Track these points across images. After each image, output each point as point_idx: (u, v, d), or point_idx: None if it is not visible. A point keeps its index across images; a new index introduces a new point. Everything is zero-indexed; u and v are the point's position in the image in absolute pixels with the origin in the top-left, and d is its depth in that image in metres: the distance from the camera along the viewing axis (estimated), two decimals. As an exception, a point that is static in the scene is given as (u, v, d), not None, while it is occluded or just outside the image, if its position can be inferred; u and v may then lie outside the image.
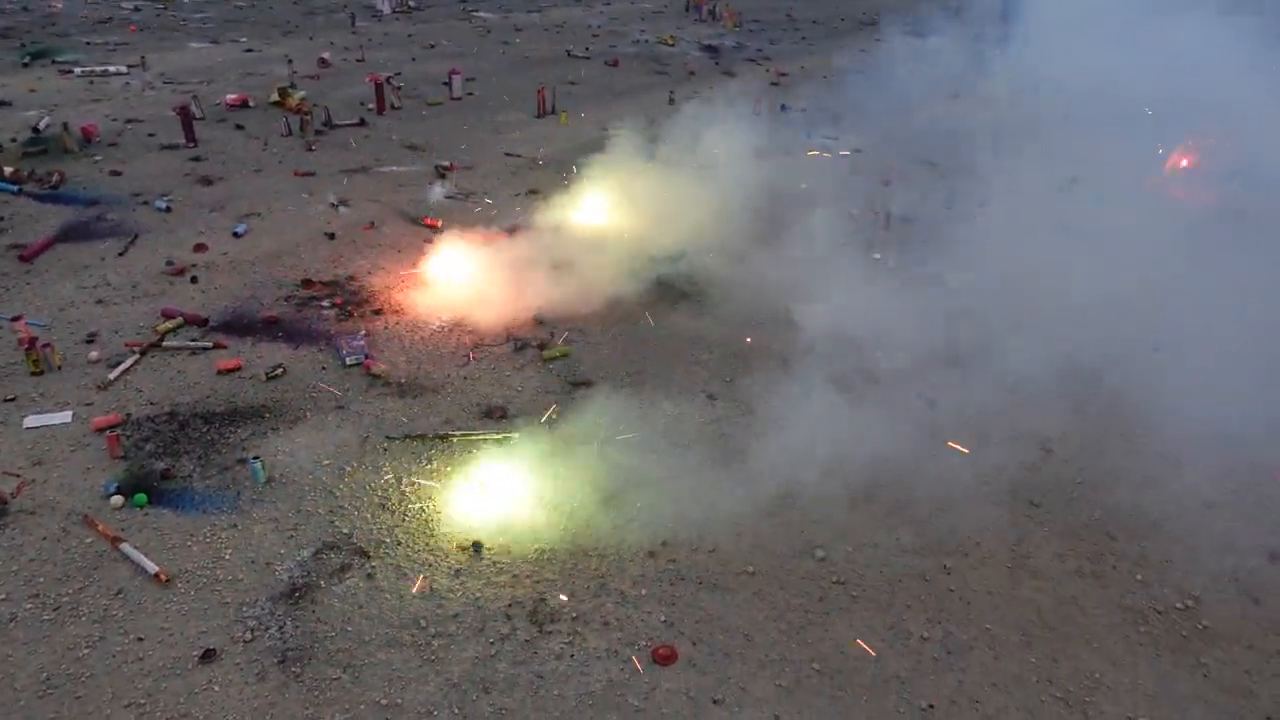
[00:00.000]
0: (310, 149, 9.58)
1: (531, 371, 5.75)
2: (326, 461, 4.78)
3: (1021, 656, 3.85)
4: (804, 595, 4.12)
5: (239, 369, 5.55)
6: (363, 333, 5.99)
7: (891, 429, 5.31)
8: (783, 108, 12.19)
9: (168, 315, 6.04)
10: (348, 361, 5.64)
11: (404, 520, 4.39)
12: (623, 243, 7.66)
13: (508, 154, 9.92)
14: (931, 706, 3.58)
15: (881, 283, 7.09)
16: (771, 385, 5.66)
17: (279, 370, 5.49)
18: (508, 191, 8.83)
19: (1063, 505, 4.79)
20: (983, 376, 5.82)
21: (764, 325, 6.49)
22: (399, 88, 11.96)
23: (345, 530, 4.31)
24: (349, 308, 6.37)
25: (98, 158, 8.99)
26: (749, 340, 6.27)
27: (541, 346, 5.99)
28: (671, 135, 10.83)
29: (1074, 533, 4.60)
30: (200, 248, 7.11)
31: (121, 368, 5.44)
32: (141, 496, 4.37)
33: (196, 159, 9.16)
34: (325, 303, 6.41)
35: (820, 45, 18.10)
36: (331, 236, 7.45)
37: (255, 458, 4.57)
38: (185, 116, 9.42)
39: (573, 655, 3.71)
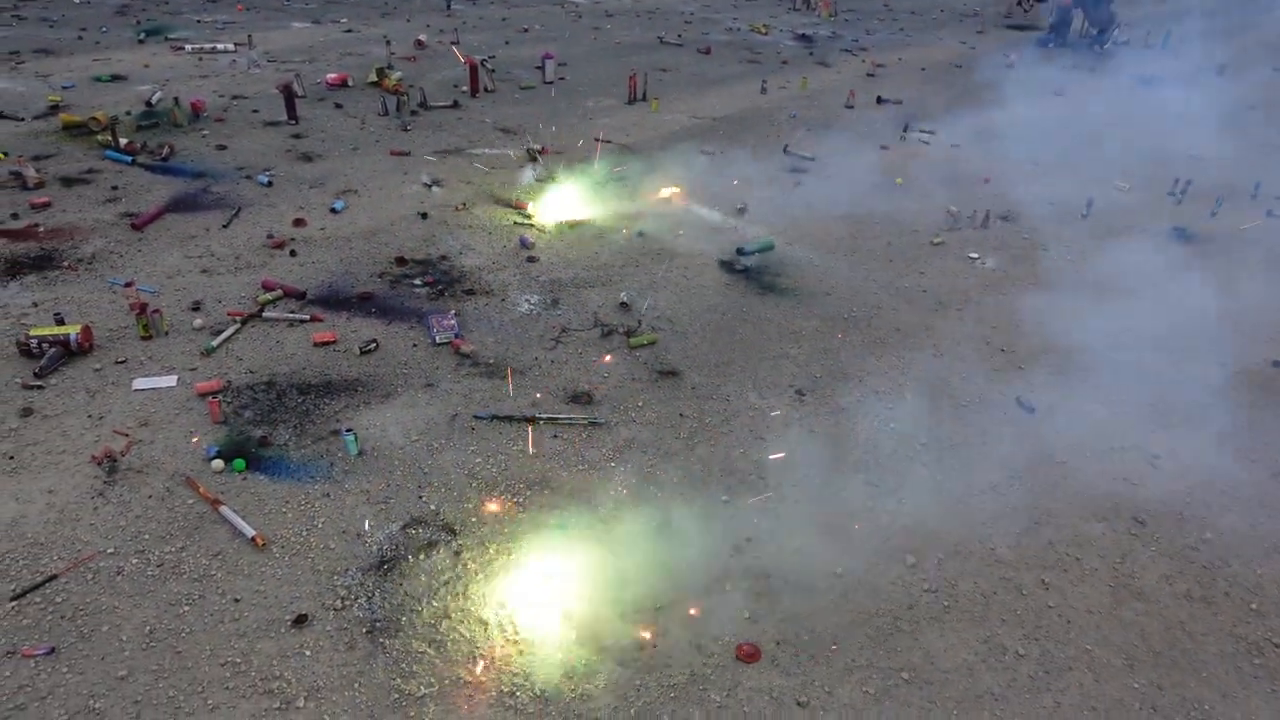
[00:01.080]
0: (405, 129, 9.74)
1: (618, 358, 5.73)
2: (416, 438, 4.84)
3: (1124, 681, 3.67)
4: (893, 602, 4.00)
5: (334, 342, 5.67)
6: (453, 312, 6.04)
7: (985, 435, 5.15)
8: (879, 100, 11.89)
9: (268, 287, 6.20)
10: (438, 340, 5.70)
11: (491, 499, 4.42)
12: (711, 232, 7.58)
13: (598, 139, 9.91)
14: (1026, 726, 3.44)
15: (974, 280, 6.86)
16: (863, 384, 5.53)
17: (372, 345, 5.59)
18: (598, 175, 8.81)
19: (1171, 524, 4.55)
20: (1087, 389, 5.60)
21: (856, 321, 6.35)
22: (493, 71, 12.06)
23: (433, 506, 4.36)
24: (440, 287, 6.45)
25: (205, 132, 9.30)
26: (840, 336, 6.13)
27: (629, 333, 5.96)
28: (761, 126, 10.70)
29: (1182, 554, 4.36)
30: (299, 222, 7.29)
31: (224, 335, 5.60)
32: (240, 462, 4.49)
33: (297, 136, 9.40)
34: (417, 281, 6.50)
35: (918, 37, 17.64)
36: (424, 216, 7.56)
37: (349, 430, 4.65)
38: (288, 94, 9.68)
39: (655, 646, 3.67)
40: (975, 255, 7.54)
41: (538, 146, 9.31)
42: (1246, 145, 11.00)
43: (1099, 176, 9.74)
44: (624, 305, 6.32)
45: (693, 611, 3.85)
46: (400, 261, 6.76)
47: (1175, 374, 5.90)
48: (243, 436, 4.77)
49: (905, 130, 10.80)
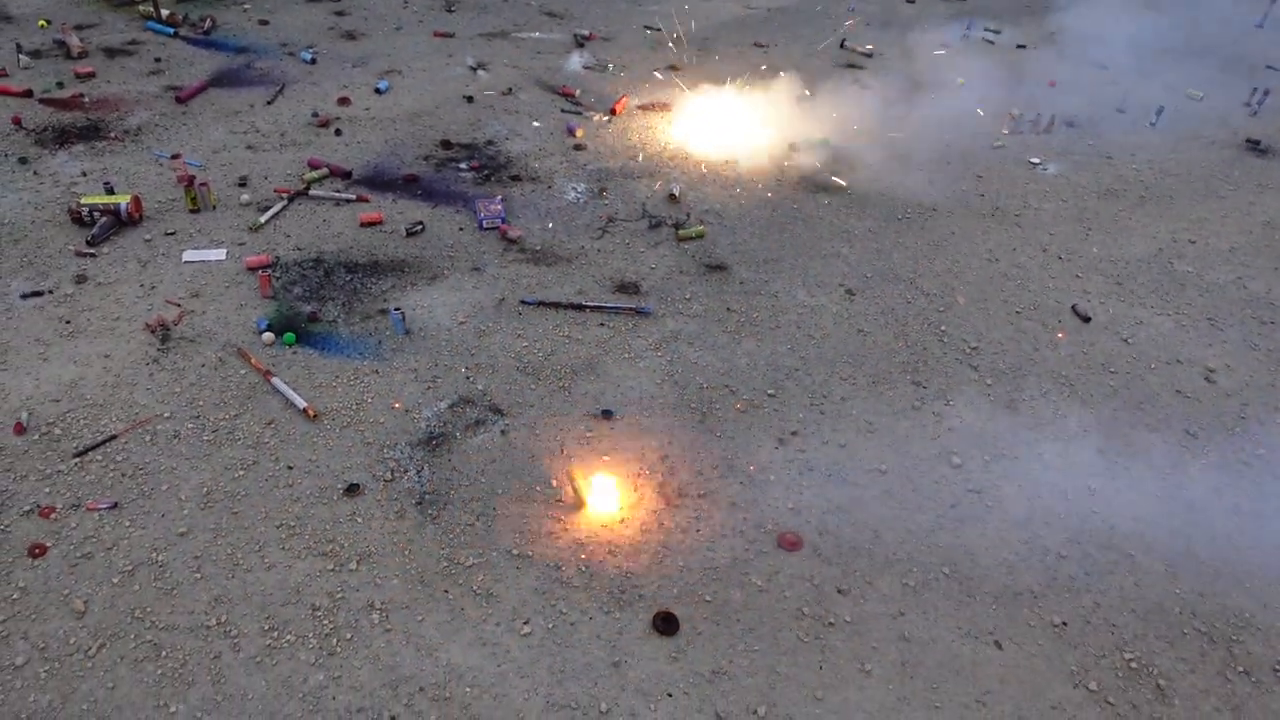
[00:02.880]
0: (450, 10, 9.45)
1: (666, 250, 5.64)
2: (463, 320, 4.84)
3: (1166, 587, 3.66)
4: (936, 500, 4.00)
5: (380, 223, 5.63)
6: (500, 197, 5.96)
7: (1038, 343, 5.05)
8: (943, -6, 11.29)
9: (314, 165, 6.14)
10: (484, 225, 5.64)
11: (538, 383, 4.43)
12: (764, 128, 7.34)
13: (648, 28, 9.56)
14: (1064, 624, 3.46)
15: (1034, 187, 6.62)
16: (914, 285, 5.42)
17: (419, 227, 5.54)
18: (646, 66, 8.53)
19: (1223, 438, 4.47)
20: (1147, 301, 5.44)
21: (910, 223, 6.18)
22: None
23: (480, 387, 4.38)
24: (486, 172, 6.34)
25: (247, 6, 9.09)
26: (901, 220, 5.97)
27: (677, 226, 5.85)
28: (818, 19, 10.25)
29: (1233, 468, 4.29)
30: (344, 101, 7.16)
31: (271, 212, 5.58)
32: (291, 335, 4.52)
33: (340, 14, 9.16)
34: (463, 165, 6.40)
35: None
36: (470, 100, 7.39)
37: (397, 309, 4.66)
38: (330, -31, 9.37)
39: (698, 530, 3.71)
40: (1037, 160, 7.27)
41: (585, 32, 9.00)
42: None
43: (1175, 84, 9.25)
44: (673, 197, 6.18)
45: (735, 500, 3.87)
46: (446, 145, 6.65)
47: (1237, 291, 5.71)
48: (292, 311, 4.79)
49: (968, 29, 10.28)
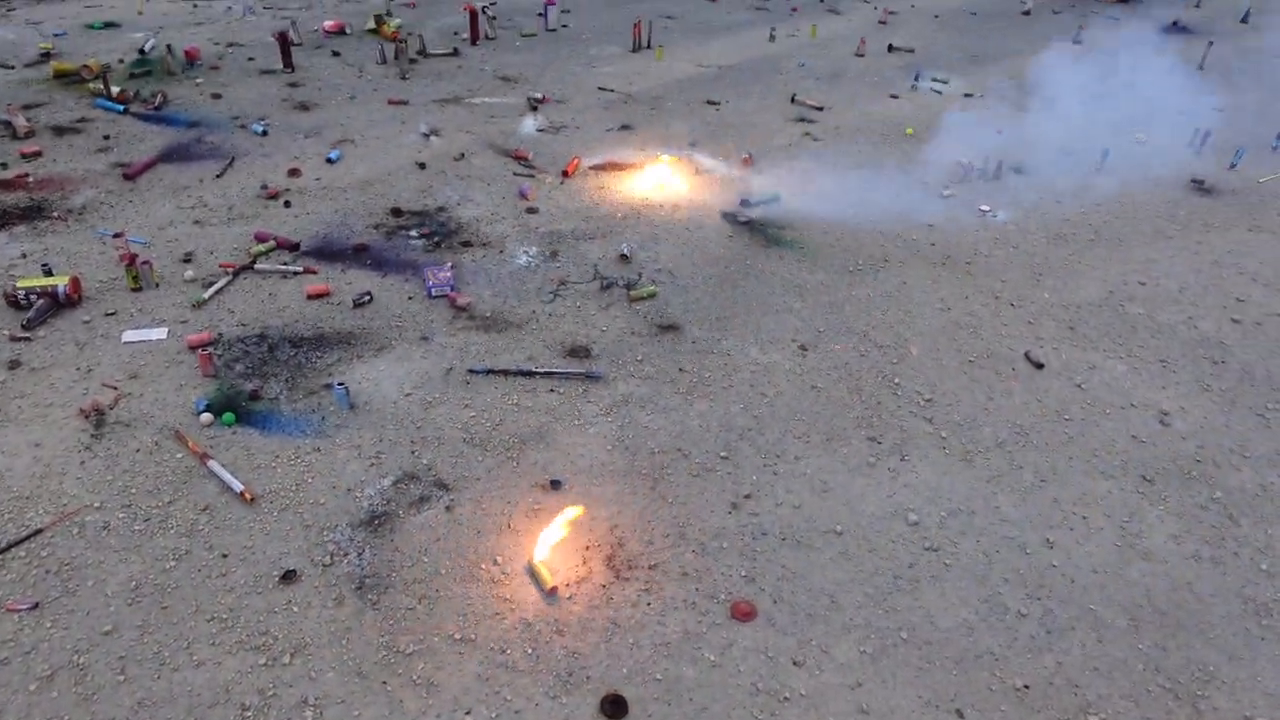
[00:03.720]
0: (404, 78, 9.52)
1: (618, 311, 5.61)
2: (410, 392, 4.75)
3: (1129, 642, 3.59)
4: (893, 560, 3.92)
5: (328, 295, 5.56)
6: (449, 265, 5.92)
7: (992, 391, 5.03)
8: (890, 48, 11.57)
9: (261, 238, 6.08)
10: (433, 293, 5.59)
11: (485, 455, 4.33)
12: (714, 182, 7.40)
13: (601, 88, 9.67)
14: (1026, 687, 3.37)
15: (985, 234, 6.68)
16: (867, 338, 5.41)
17: (366, 298, 5.48)
18: (599, 126, 8.61)
19: (1180, 483, 4.44)
20: (1101, 345, 5.46)
21: (862, 274, 6.19)
22: (493, 18, 11.77)
23: (426, 461, 4.28)
24: (437, 238, 6.31)
25: (199, 80, 9.11)
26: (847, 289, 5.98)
27: (629, 286, 5.82)
28: (768, 76, 10.42)
29: (1190, 514, 4.26)
30: (294, 172, 7.14)
31: (215, 287, 5.50)
32: (230, 415, 4.41)
33: (293, 85, 9.20)
34: (414, 232, 6.36)
35: (933, -17, 17.06)
36: (422, 167, 7.39)
37: (340, 383, 4.57)
38: (284, 42, 9.45)
39: (649, 604, 3.60)
40: (986, 208, 7.35)
41: (539, 95, 9.08)
42: (1269, 96, 10.67)
43: (1119, 126, 9.46)
44: (624, 258, 6.17)
45: (687, 570, 3.77)
46: (396, 213, 6.62)
47: (1187, 331, 5.75)
48: (233, 390, 4.68)
49: (917, 79, 10.51)
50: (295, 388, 4.75)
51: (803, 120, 9.15)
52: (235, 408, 4.49)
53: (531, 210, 6.80)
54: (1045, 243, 6.87)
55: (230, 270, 5.69)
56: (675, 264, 6.19)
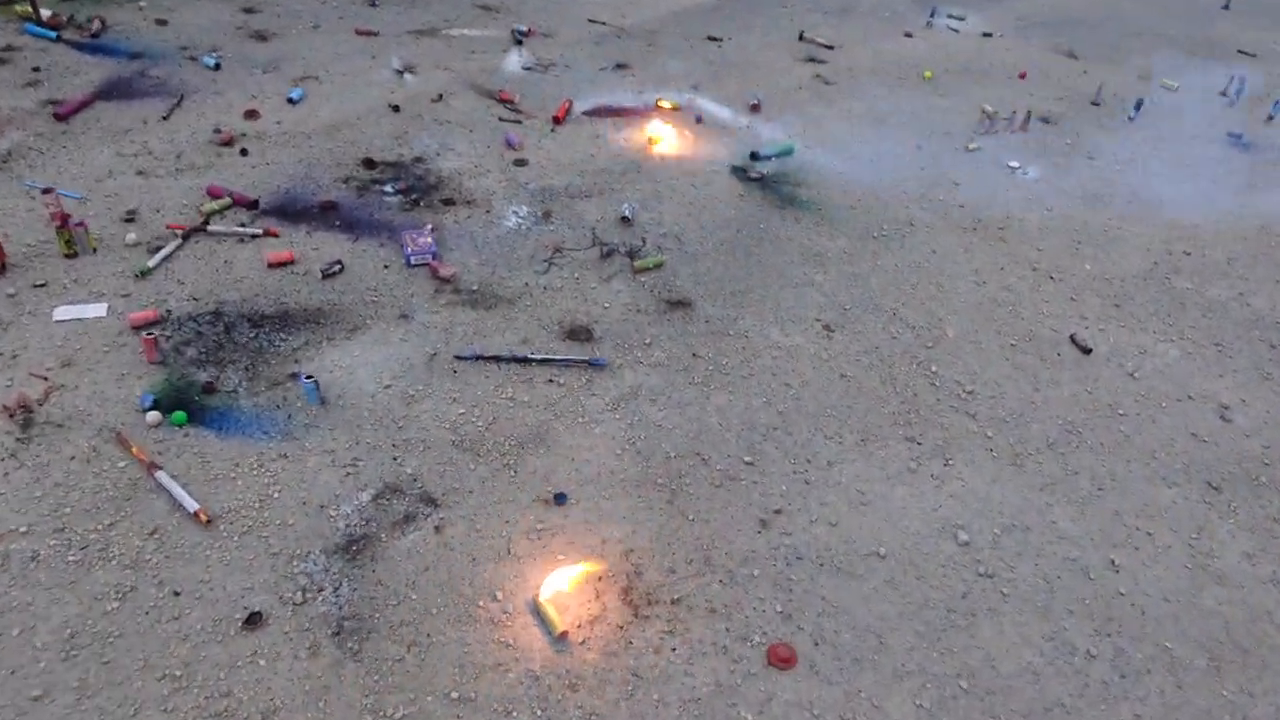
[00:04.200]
0: (374, 3, 8.67)
1: (620, 284, 5.04)
2: (389, 383, 4.19)
3: (1210, 687, 3.19)
4: (945, 589, 3.48)
5: (292, 263, 4.94)
6: (429, 227, 5.29)
7: (1038, 380, 4.56)
8: (902, -22, 10.80)
9: (214, 194, 5.40)
10: (413, 261, 4.98)
11: (478, 462, 3.81)
12: (722, 134, 6.76)
13: (592, 20, 8.88)
14: (1107, 749, 2.97)
15: (1015, 194, 6.14)
16: (898, 318, 4.90)
17: (336, 267, 4.86)
18: (592, 65, 7.88)
19: (1248, 490, 4.03)
20: (1151, 325, 5.00)
21: (887, 241, 5.65)
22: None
23: (410, 470, 3.75)
24: (415, 195, 5.66)
25: (142, 4, 8.20)
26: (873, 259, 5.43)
27: (632, 254, 5.25)
28: (772, 8, 9.67)
29: (1263, 528, 3.86)
30: (251, 114, 6.40)
31: (163, 254, 4.85)
32: (181, 415, 3.84)
33: (249, 10, 8.32)
34: (389, 188, 5.71)
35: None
36: (396, 109, 6.67)
37: (309, 376, 3.99)
38: (237, -40, 8.52)
39: (673, 649, 3.14)
40: (1015, 164, 6.80)
41: (524, 28, 8.30)
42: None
43: (1146, 71, 8.89)
44: (625, 220, 5.57)
45: (715, 605, 3.31)
46: (369, 164, 5.94)
47: (1240, 310, 5.30)
48: (184, 381, 4.09)
49: (932, 16, 9.80)
50: (257, 377, 4.17)
51: (812, 60, 8.47)
52: (187, 404, 3.91)
53: (520, 162, 6.14)
54: (1081, 204, 6.35)
55: (180, 232, 5.03)
56: (682, 228, 5.61)
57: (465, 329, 4.61)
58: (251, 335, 4.42)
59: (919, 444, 4.16)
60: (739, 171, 6.31)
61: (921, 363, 4.68)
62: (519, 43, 8.03)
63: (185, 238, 5.04)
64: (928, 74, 8.17)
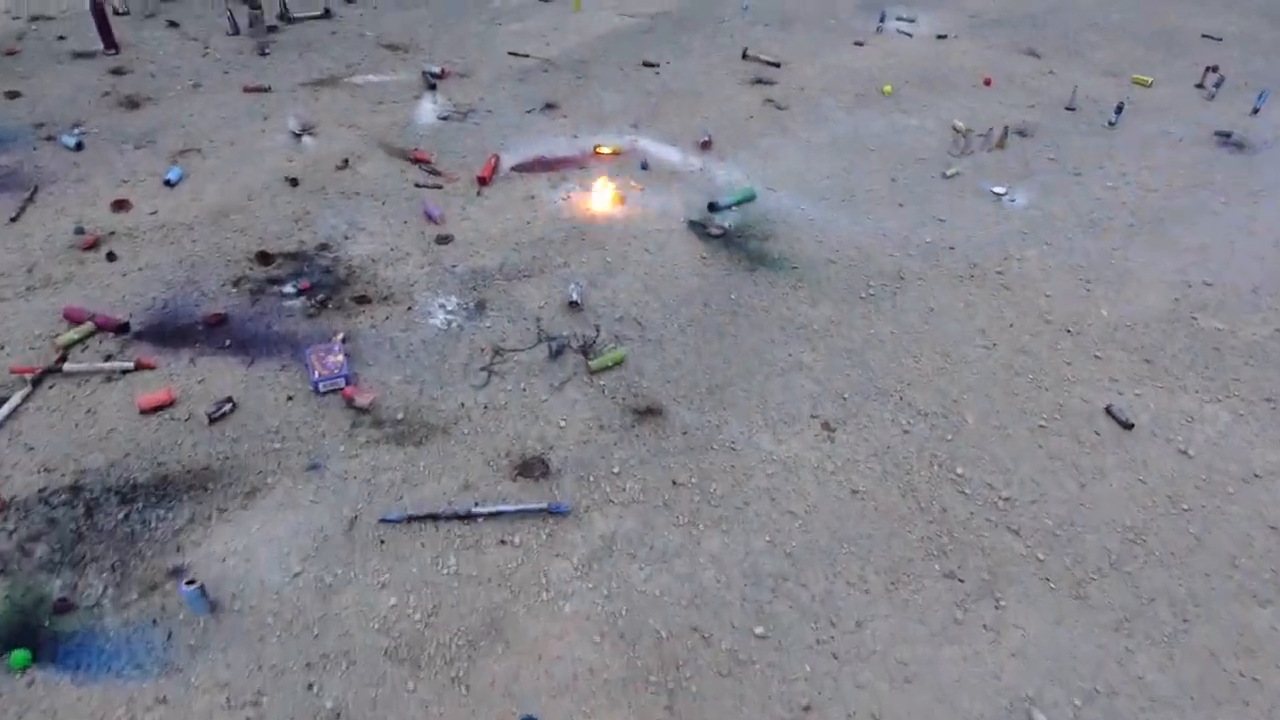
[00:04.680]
0: (263, 53, 7.70)
1: (576, 391, 4.23)
2: (298, 569, 3.33)
3: None
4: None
5: (171, 404, 4.02)
6: (340, 337, 4.43)
7: (1080, 471, 3.88)
8: (844, -19, 10.16)
9: (73, 318, 4.48)
10: (321, 389, 4.11)
11: (418, 678, 2.97)
12: (673, 181, 5.99)
13: (513, 53, 8.04)
14: None
15: (1008, 226, 5.47)
16: (905, 402, 4.18)
17: (227, 407, 3.98)
18: (517, 107, 7.04)
19: (1379, 621, 3.38)
20: (1190, 383, 4.35)
21: (878, 301, 4.94)
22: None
23: (330, 704, 2.89)
24: (321, 295, 4.78)
25: (-10, 73, 7.15)
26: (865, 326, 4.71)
27: (586, 350, 4.44)
28: (707, 25, 8.93)
29: None
30: (121, 205, 5.45)
31: (4, 411, 3.91)
32: (22, 655, 2.95)
33: (118, 71, 7.31)
34: (290, 287, 4.82)
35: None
36: (294, 183, 5.77)
37: (190, 581, 3.11)
38: (100, 14, 7.49)
39: None
40: (1001, 190, 6.15)
41: (436, 69, 7.42)
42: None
43: (1114, 67, 8.35)
44: (574, 305, 4.77)
45: None
46: (264, 259, 5.04)
47: (1293, 355, 4.70)
48: (29, 598, 3.18)
49: (881, 20, 9.16)
50: (127, 579, 3.28)
51: (760, 82, 7.74)
52: (32, 633, 3.01)
53: (444, 239, 5.29)
54: (1080, 233, 5.71)
55: (29, 378, 4.08)
56: (641, 307, 4.82)
57: (391, 476, 3.76)
58: (121, 516, 3.53)
59: (960, 581, 3.44)
60: (697, 227, 5.55)
61: (944, 463, 3.96)
62: (432, 87, 7.16)
63: (35, 384, 4.10)
64: (887, 88, 7.51)
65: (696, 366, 4.47)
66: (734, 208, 5.78)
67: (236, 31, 8.03)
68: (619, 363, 4.45)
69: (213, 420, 3.98)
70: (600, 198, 5.74)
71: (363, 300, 4.81)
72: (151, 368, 4.28)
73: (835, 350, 4.63)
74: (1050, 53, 8.76)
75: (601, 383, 4.34)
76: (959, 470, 3.95)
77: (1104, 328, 4.89)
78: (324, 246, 5.24)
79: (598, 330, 4.65)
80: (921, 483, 3.88)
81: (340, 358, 4.25)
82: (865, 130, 6.94)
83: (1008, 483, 3.90)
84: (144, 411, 4.02)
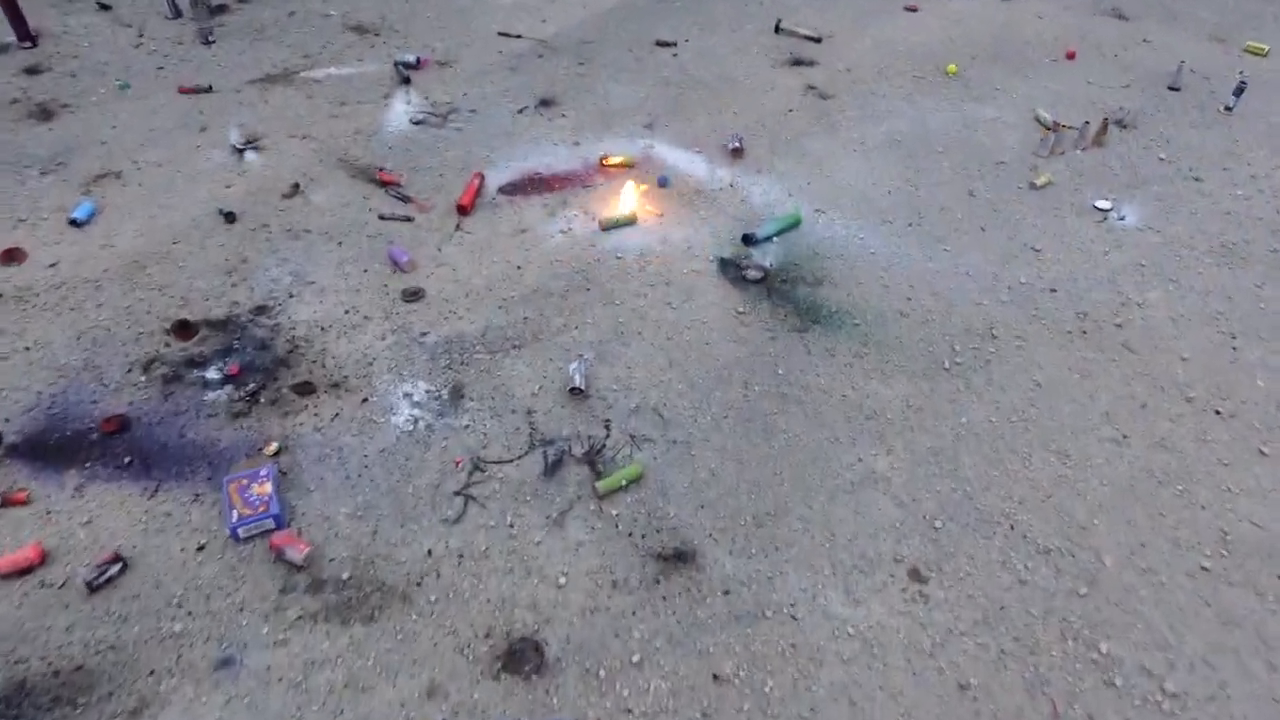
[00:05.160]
0: (207, 40, 6.59)
1: (579, 524, 3.24)
2: None
3: None
4: None
5: (40, 565, 3.05)
6: (273, 450, 3.43)
7: (1271, 632, 2.83)
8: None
9: (-73, 431, 3.49)
10: (241, 535, 3.12)
11: None
12: (698, 201, 4.91)
13: (503, 34, 6.89)
14: None
15: (1120, 257, 4.38)
16: (1018, 534, 3.16)
17: (114, 570, 3.02)
18: (507, 105, 5.93)
19: None
20: None
21: (965, 370, 3.90)
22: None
23: None
24: (254, 384, 3.78)
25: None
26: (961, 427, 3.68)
27: (592, 458, 3.44)
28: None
29: None
30: (11, 255, 4.46)
31: None
32: None
33: (32, 70, 6.24)
34: (213, 370, 3.81)
35: None
36: (230, 219, 4.73)
37: None
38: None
39: None
40: (1107, 205, 5.03)
41: (412, 57, 6.30)
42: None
43: (1221, 30, 7.11)
44: (577, 392, 3.74)
45: None
46: (184, 331, 4.04)
47: None
48: None
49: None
50: None
51: (799, 63, 6.59)
52: None
53: (413, 295, 4.27)
54: (1212, 264, 4.62)
55: None
56: (663, 389, 3.80)
57: (331, 677, 2.79)
58: (-49, 759, 2.56)
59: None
60: (730, 268, 4.49)
61: (1080, 634, 2.95)
62: (406, 81, 6.06)
63: None
64: (951, 68, 6.35)
65: (738, 482, 3.45)
66: (774, 238, 4.70)
67: (178, 14, 6.91)
68: (636, 480, 3.43)
69: (94, 589, 3.01)
70: (605, 215, 4.69)
71: (306, 389, 3.80)
72: (22, 501, 3.31)
73: (918, 451, 3.59)
74: (1140, 12, 7.52)
75: (614, 511, 3.33)
76: (1102, 648, 2.93)
77: (1266, 405, 3.82)
78: (261, 310, 4.21)
79: (607, 428, 3.63)
80: (1053, 669, 2.87)
81: (268, 487, 3.25)
82: (931, 125, 5.80)
83: (1171, 666, 2.89)
84: (3, 577, 3.04)
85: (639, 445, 3.58)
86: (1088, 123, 5.57)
